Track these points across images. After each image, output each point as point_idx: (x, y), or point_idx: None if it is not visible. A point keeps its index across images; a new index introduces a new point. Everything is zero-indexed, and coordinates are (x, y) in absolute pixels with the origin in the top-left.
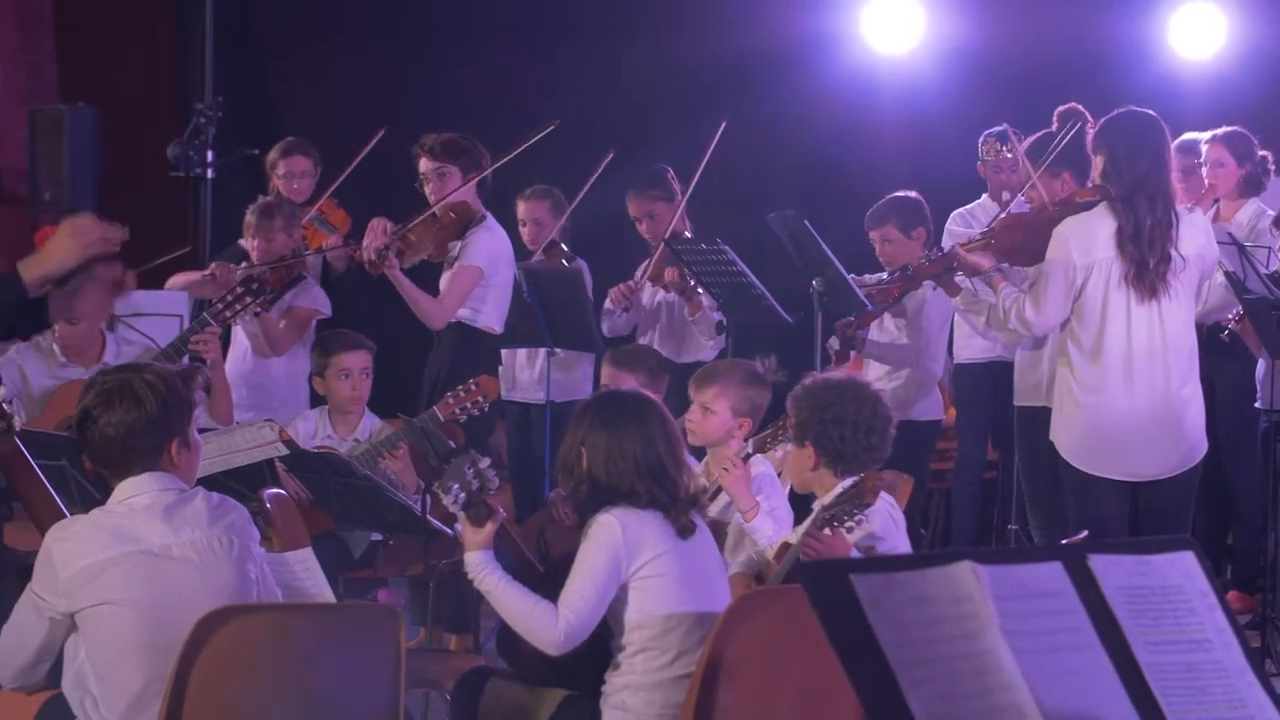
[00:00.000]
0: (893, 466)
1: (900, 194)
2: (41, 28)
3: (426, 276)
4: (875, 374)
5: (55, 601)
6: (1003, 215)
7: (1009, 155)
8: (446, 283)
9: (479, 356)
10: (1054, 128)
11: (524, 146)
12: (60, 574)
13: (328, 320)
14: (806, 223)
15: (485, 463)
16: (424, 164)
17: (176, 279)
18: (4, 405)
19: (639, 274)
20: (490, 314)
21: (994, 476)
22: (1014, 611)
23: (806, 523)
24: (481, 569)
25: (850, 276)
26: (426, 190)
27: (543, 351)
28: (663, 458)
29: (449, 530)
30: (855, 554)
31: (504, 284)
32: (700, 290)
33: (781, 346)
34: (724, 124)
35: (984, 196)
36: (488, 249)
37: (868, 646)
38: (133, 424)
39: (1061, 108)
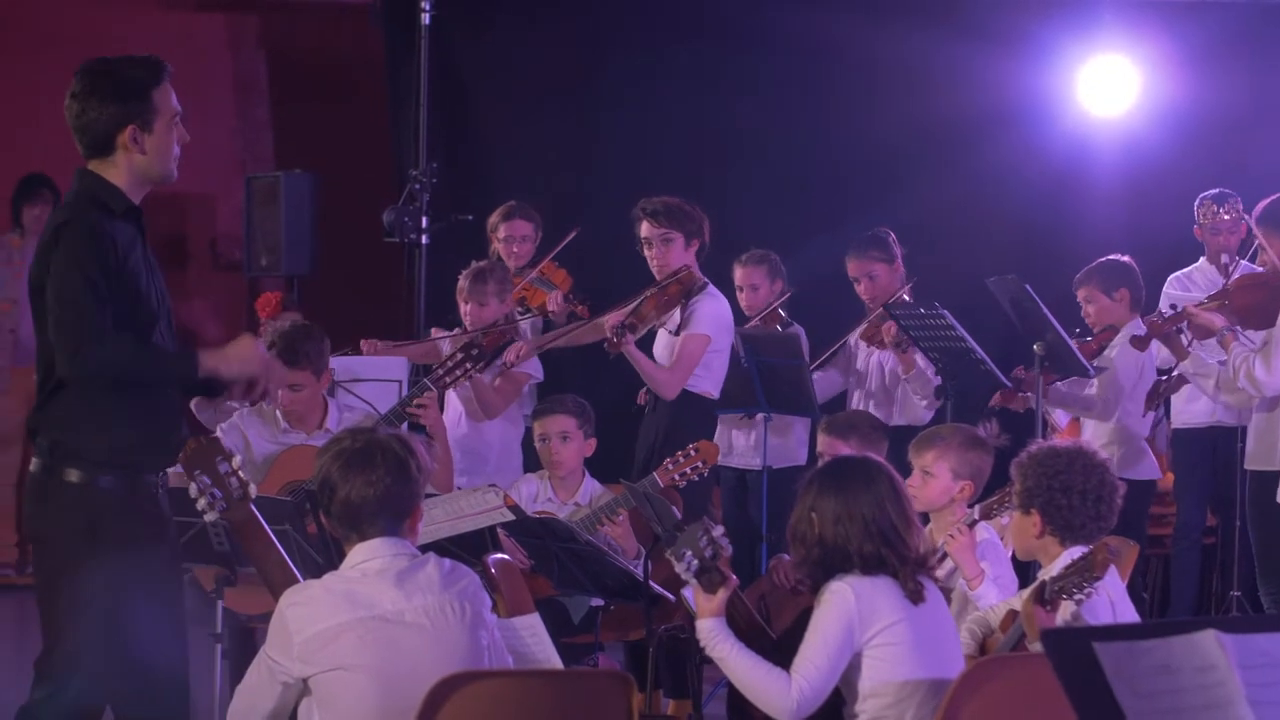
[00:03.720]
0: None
1: (1108, 257)
2: (256, 95)
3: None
4: (1087, 439)
5: (289, 665)
6: (1237, 275)
7: (1226, 218)
8: (675, 350)
9: (695, 421)
10: None
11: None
12: (294, 638)
13: (542, 385)
14: (1028, 287)
15: (719, 531)
16: (645, 228)
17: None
18: (239, 472)
19: (853, 336)
20: (709, 379)
21: (1213, 542)
22: (1260, 681)
23: (1029, 590)
24: (714, 636)
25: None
26: (647, 254)
27: (759, 417)
28: (894, 519)
29: (670, 595)
30: None
31: (725, 350)
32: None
33: (1000, 410)
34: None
35: (1201, 259)
36: (714, 316)
37: (1111, 715)
38: (391, 484)
39: None
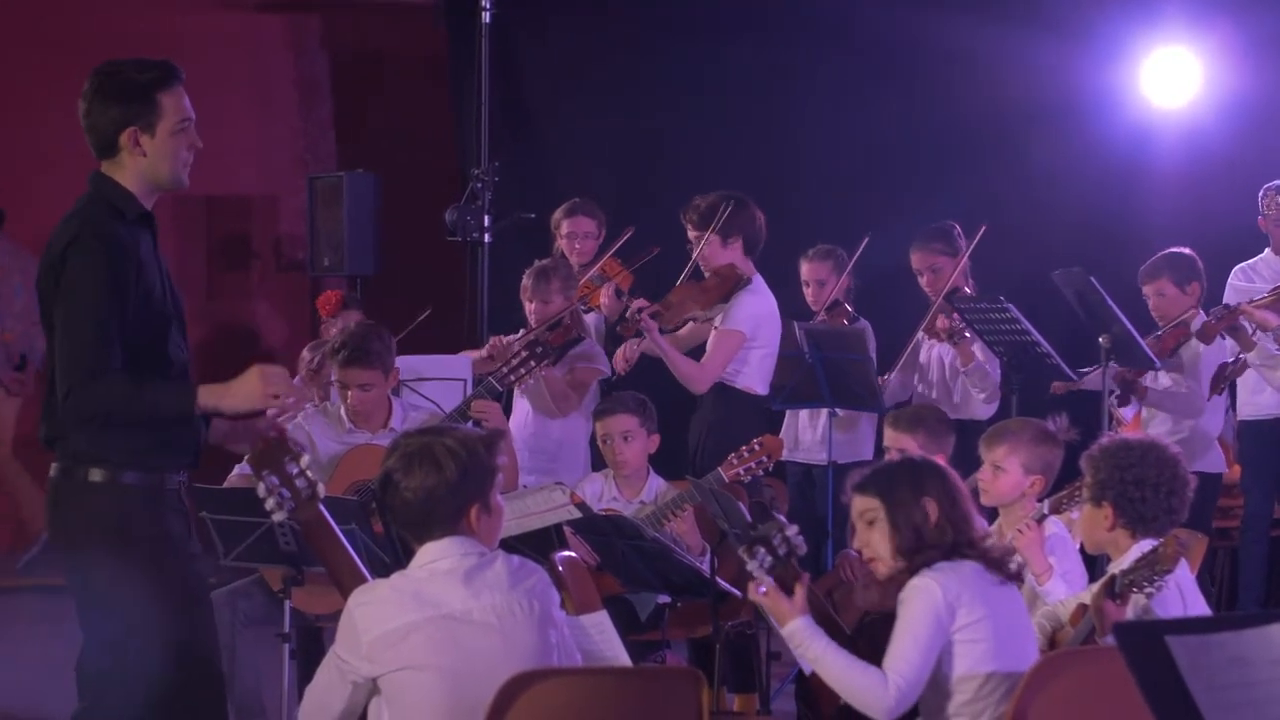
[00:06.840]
0: None
1: (1174, 249)
2: (319, 95)
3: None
4: (1155, 431)
5: (358, 665)
6: None
7: None
8: (710, 346)
9: (739, 416)
10: None
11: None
12: (363, 638)
13: (611, 381)
14: (1093, 279)
15: (793, 530)
16: (689, 230)
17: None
18: (307, 472)
19: (919, 330)
20: (752, 375)
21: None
22: None
23: (1099, 584)
24: (806, 635)
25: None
26: (694, 253)
27: (824, 412)
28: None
29: (737, 592)
30: None
31: (768, 346)
32: (971, 338)
33: (1067, 405)
34: (983, 228)
35: (1266, 250)
36: (751, 313)
37: (1185, 709)
38: (432, 489)
39: None
